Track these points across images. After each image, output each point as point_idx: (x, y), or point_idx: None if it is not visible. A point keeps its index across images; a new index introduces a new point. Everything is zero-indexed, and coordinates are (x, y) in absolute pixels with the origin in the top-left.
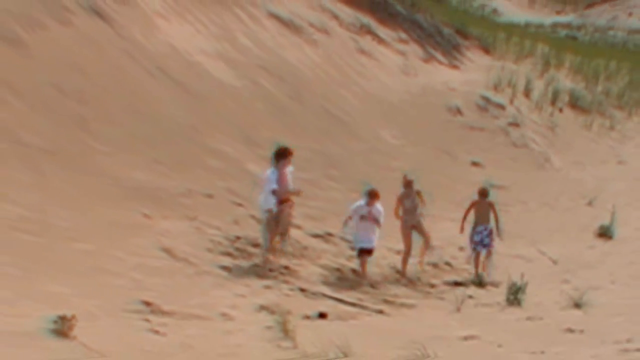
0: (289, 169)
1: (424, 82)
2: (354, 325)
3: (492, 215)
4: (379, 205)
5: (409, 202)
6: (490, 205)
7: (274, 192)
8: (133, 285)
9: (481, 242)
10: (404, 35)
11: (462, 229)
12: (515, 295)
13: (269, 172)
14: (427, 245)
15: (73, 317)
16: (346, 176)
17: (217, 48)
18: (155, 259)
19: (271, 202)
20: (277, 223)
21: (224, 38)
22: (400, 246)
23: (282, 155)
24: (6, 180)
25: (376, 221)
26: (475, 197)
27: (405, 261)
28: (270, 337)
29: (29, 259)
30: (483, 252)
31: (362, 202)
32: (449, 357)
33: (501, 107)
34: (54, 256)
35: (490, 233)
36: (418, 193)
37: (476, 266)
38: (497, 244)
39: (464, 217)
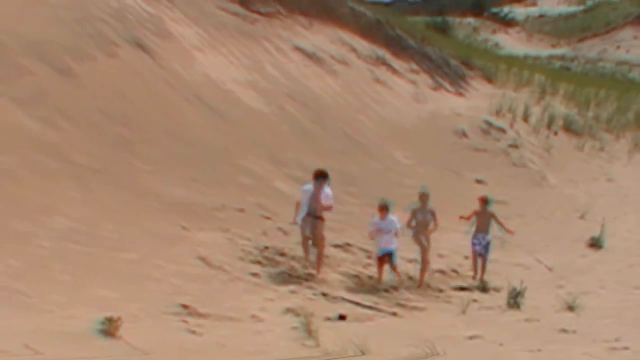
0: (325, 190)
1: (433, 108)
2: (370, 326)
3: (492, 226)
4: (391, 217)
5: (422, 216)
6: (492, 216)
7: (297, 205)
8: (172, 290)
9: (480, 250)
10: (415, 66)
11: (462, 218)
12: (514, 299)
13: (306, 187)
14: (424, 260)
15: (119, 318)
16: (363, 192)
17: (247, 78)
18: (192, 266)
19: (299, 217)
20: (309, 236)
21: (254, 69)
22: (412, 255)
23: (317, 177)
24: (59, 196)
25: (389, 232)
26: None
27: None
28: (296, 337)
29: (80, 267)
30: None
31: (377, 216)
32: (456, 354)
33: (502, 130)
34: (102, 264)
35: (487, 244)
36: (433, 213)
37: (474, 270)
38: (497, 253)
39: (468, 218)
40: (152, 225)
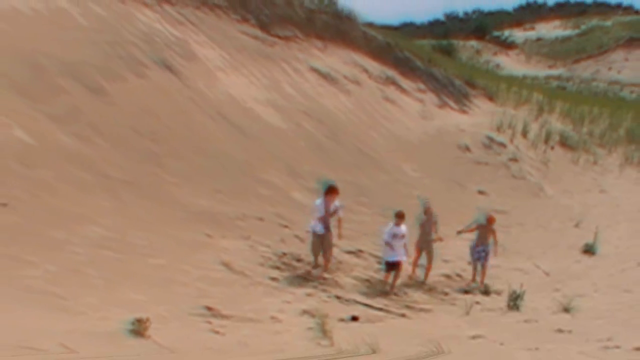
0: (335, 203)
1: (438, 125)
2: (381, 327)
3: (491, 239)
4: (403, 226)
5: (427, 226)
6: (492, 231)
7: (320, 219)
8: (198, 293)
9: (479, 259)
10: (422, 86)
11: (462, 231)
12: (514, 302)
13: (317, 202)
14: (429, 263)
15: (148, 319)
16: (374, 203)
17: (267, 96)
18: (216, 271)
19: (317, 227)
20: (321, 244)
21: (272, 88)
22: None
23: (328, 191)
24: (92, 206)
25: (402, 237)
26: (482, 221)
27: (414, 265)
28: (311, 337)
29: (111, 272)
30: (479, 267)
31: (391, 223)
32: (460, 353)
33: (503, 145)
34: (132, 269)
35: (487, 254)
36: (434, 222)
37: (473, 276)
38: (499, 259)
39: (470, 230)
40: (178, 233)
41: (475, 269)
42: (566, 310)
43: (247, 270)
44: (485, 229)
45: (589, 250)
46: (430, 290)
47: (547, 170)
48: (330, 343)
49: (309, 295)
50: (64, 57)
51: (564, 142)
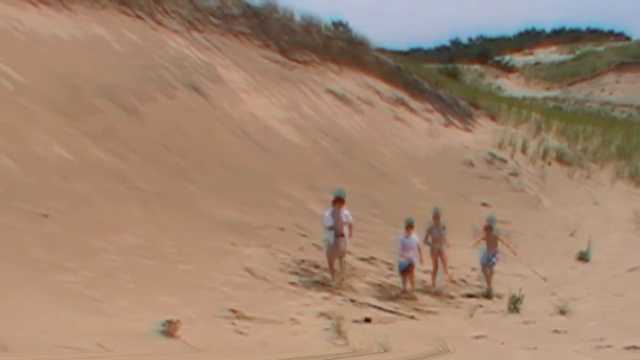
0: (344, 212)
1: (445, 142)
2: (392, 328)
3: (499, 244)
4: (414, 236)
5: (436, 232)
6: (495, 238)
7: (330, 228)
8: (223, 297)
9: (488, 264)
10: (429, 106)
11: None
12: (514, 305)
13: (327, 213)
14: (445, 267)
15: (178, 321)
16: (385, 214)
17: (287, 116)
18: (239, 277)
19: (329, 236)
20: (335, 250)
21: (292, 108)
22: (427, 267)
23: (336, 201)
24: (126, 217)
25: (413, 248)
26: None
27: (434, 276)
28: (328, 337)
29: (144, 277)
30: (488, 272)
31: (402, 235)
32: (464, 351)
33: (504, 161)
34: (163, 275)
35: (491, 260)
36: (443, 227)
37: (487, 282)
38: (500, 265)
39: (478, 241)
40: (205, 242)
41: (485, 274)
42: (562, 312)
43: (268, 275)
44: (489, 237)
45: (583, 257)
46: (437, 294)
47: (545, 183)
48: (345, 343)
49: (325, 298)
50: (101, 80)
51: (560, 158)
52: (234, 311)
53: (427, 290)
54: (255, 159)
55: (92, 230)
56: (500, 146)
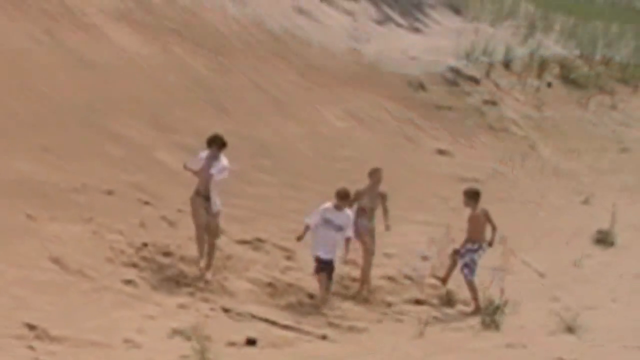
0: (222, 162)
1: (377, 50)
2: (290, 354)
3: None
4: (348, 211)
5: (369, 201)
6: (486, 215)
7: (201, 179)
8: (14, 304)
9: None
10: None
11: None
12: (492, 317)
13: (202, 154)
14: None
15: None
16: (281, 167)
17: (118, 6)
18: (41, 270)
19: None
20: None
21: None
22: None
23: (212, 142)
24: None
25: (340, 229)
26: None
27: (363, 271)
28: None
29: None
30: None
31: (329, 204)
32: None
33: (474, 81)
34: None
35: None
36: (383, 196)
37: (445, 274)
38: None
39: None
40: None
41: (451, 269)
42: (570, 329)
43: (88, 269)
44: (475, 217)
45: (603, 238)
46: (366, 299)
47: (542, 118)
48: None
49: (182, 307)
50: None
51: (567, 76)
52: (31, 327)
53: (350, 295)
54: (67, 78)
55: None
56: (468, 57)
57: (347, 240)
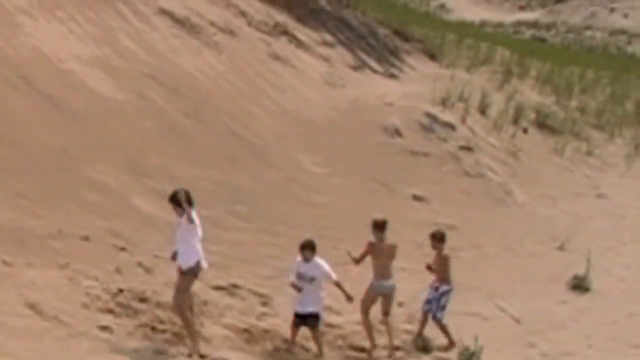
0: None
1: (353, 96)
2: None
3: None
4: (318, 260)
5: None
6: (445, 259)
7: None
8: None
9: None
10: (328, 37)
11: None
12: None
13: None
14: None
15: None
16: (256, 213)
17: (94, 52)
18: (17, 317)
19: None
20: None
21: (102, 40)
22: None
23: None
24: None
25: (312, 281)
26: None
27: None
28: None
29: None
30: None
31: (299, 257)
32: None
33: (450, 126)
34: None
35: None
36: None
37: (420, 323)
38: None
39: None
40: None
41: (425, 316)
42: None
43: (64, 314)
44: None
45: (579, 284)
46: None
47: (518, 164)
48: None
49: (158, 354)
50: None
51: (543, 122)
52: None
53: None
54: (43, 124)
55: None
56: (444, 103)
57: (336, 284)
